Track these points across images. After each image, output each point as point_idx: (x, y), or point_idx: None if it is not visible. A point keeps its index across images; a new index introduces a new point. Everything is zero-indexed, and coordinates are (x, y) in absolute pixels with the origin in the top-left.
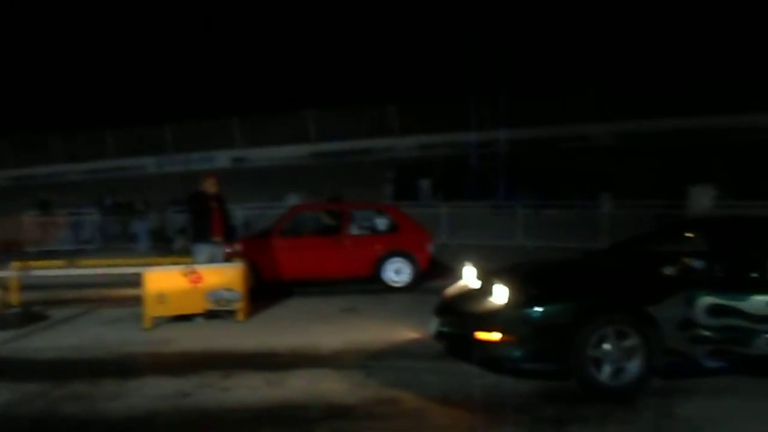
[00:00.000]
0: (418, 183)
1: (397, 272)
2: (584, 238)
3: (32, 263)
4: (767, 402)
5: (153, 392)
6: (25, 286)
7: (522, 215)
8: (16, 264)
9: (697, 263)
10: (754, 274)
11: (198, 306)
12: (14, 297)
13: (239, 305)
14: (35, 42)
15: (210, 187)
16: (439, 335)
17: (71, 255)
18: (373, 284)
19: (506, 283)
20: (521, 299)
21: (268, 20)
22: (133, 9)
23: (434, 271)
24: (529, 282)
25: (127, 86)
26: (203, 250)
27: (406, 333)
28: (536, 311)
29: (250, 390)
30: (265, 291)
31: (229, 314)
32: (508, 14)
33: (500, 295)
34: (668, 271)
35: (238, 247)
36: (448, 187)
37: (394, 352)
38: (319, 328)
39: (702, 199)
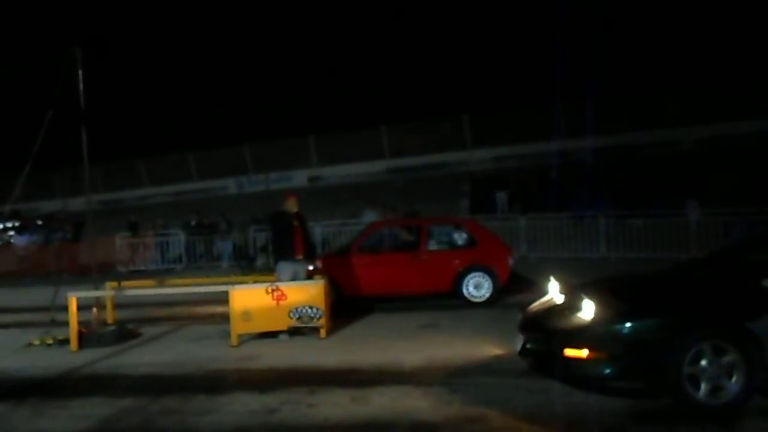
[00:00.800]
0: (495, 195)
1: (477, 287)
2: (671, 249)
3: (125, 283)
4: None
5: (241, 408)
6: (119, 305)
7: (604, 226)
8: (110, 284)
9: None
10: None
11: (282, 323)
12: (110, 315)
13: (322, 322)
14: (118, 71)
15: (292, 206)
16: (525, 352)
17: (160, 274)
18: (452, 299)
19: (594, 298)
20: (611, 314)
21: (341, 40)
22: (210, 33)
23: (515, 286)
24: (618, 296)
25: (208, 110)
26: (287, 268)
27: (489, 349)
28: (627, 327)
29: (336, 407)
30: (345, 307)
31: (312, 331)
32: (582, 20)
33: (588, 310)
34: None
35: (318, 264)
36: (525, 198)
37: (477, 368)
38: (400, 345)
39: None
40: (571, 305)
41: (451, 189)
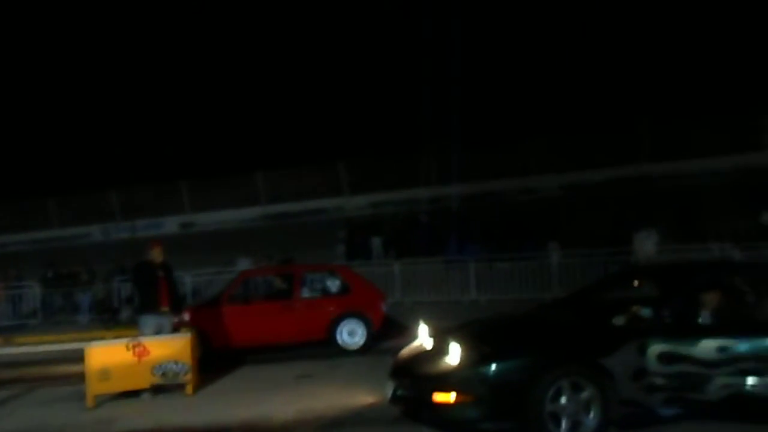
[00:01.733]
0: (370, 241)
1: (351, 334)
2: (536, 289)
3: None
4: None
5: None
6: None
7: (474, 269)
8: None
9: (645, 311)
10: (702, 320)
11: (144, 381)
12: None
13: (188, 378)
14: None
15: (156, 255)
16: (395, 398)
17: (12, 331)
18: (327, 348)
19: (459, 342)
20: (475, 357)
21: (214, 83)
22: (76, 71)
23: (389, 331)
24: (482, 339)
25: (71, 152)
26: (150, 321)
27: (362, 398)
28: (490, 369)
29: None
30: (215, 360)
31: (178, 387)
32: (453, 69)
33: (454, 354)
34: (618, 320)
35: (186, 316)
36: (399, 244)
37: (349, 418)
38: (271, 398)
39: (646, 245)
40: (439, 350)
41: (327, 235)
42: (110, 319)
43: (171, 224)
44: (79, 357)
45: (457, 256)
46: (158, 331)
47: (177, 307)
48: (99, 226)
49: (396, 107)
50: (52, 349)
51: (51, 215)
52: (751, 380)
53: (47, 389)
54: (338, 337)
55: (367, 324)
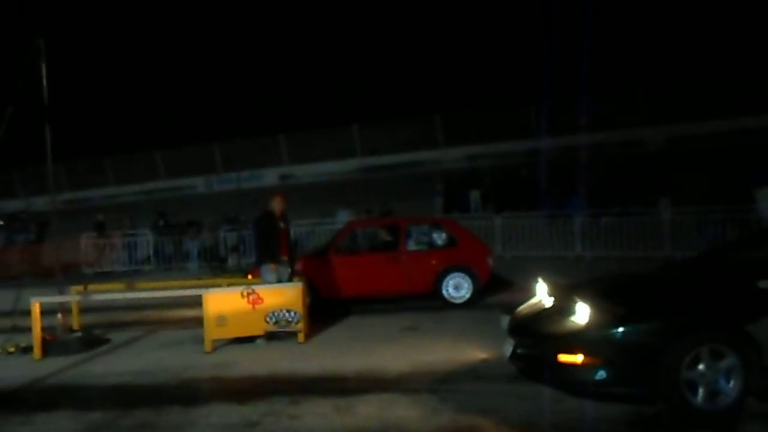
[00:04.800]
0: (468, 194)
1: (457, 288)
2: (646, 247)
3: (92, 286)
4: None
5: (219, 421)
6: (85, 309)
7: (579, 224)
8: (76, 288)
9: None
10: None
11: (258, 328)
12: (76, 321)
13: (300, 326)
14: (85, 67)
15: (278, 206)
16: (515, 356)
17: (128, 276)
18: (432, 301)
19: (588, 301)
20: (606, 319)
21: (311, 36)
22: (181, 29)
23: (493, 286)
24: (612, 299)
25: (175, 107)
26: (272, 270)
27: (474, 353)
28: (623, 331)
29: (320, 418)
30: (322, 309)
31: (290, 335)
32: (555, 17)
33: (582, 314)
34: (764, 284)
35: (298, 266)
36: (498, 197)
37: (464, 374)
38: (382, 349)
39: None
40: (564, 308)
41: (424, 188)
42: (218, 266)
43: (270, 176)
44: (194, 302)
45: (560, 211)
46: (279, 280)
47: (293, 258)
48: (203, 177)
49: (493, 58)
50: (168, 294)
51: (159, 168)
52: None
53: (166, 332)
54: (444, 291)
55: (474, 278)
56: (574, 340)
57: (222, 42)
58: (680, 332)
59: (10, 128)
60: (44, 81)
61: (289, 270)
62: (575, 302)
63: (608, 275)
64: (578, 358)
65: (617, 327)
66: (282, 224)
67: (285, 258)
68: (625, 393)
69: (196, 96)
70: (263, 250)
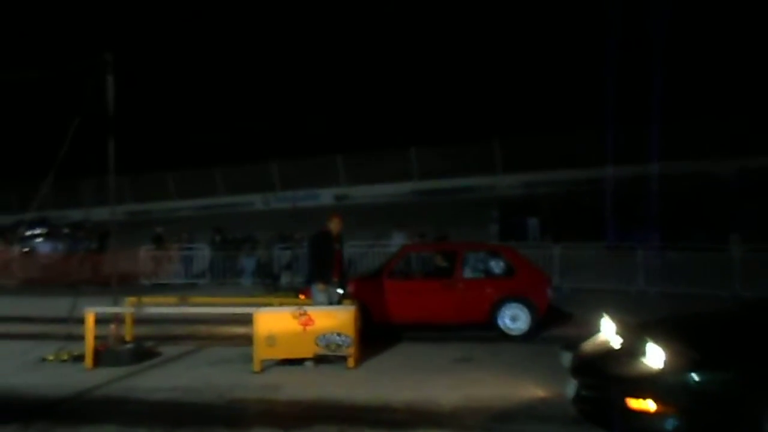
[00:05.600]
0: (526, 222)
1: (514, 319)
2: (714, 285)
3: (145, 299)
4: None
5: None
6: (139, 320)
7: (642, 257)
8: (130, 300)
9: None
10: None
11: (308, 350)
12: (128, 332)
13: (350, 351)
14: (153, 83)
15: (335, 226)
16: (578, 398)
17: (184, 289)
18: (487, 331)
19: (662, 343)
20: (681, 363)
21: (374, 59)
22: (244, 50)
23: (551, 318)
24: (689, 342)
25: (237, 125)
26: (323, 292)
27: (531, 390)
28: (701, 378)
29: None
30: (374, 334)
31: (339, 359)
32: (615, 45)
33: (655, 357)
34: None
35: (350, 288)
36: (557, 225)
37: (521, 413)
38: (435, 380)
39: None
40: (633, 349)
41: (478, 214)
42: (271, 283)
43: (326, 196)
44: (245, 320)
45: (623, 242)
46: (329, 302)
47: (344, 280)
48: (261, 195)
49: (555, 82)
50: (219, 311)
51: (217, 184)
52: None
53: (216, 349)
54: (500, 322)
55: (532, 309)
56: (646, 385)
57: (284, 62)
58: (762, 381)
59: (78, 139)
60: (111, 93)
61: (340, 292)
62: (646, 343)
63: (680, 314)
64: (649, 405)
65: (693, 373)
66: (337, 245)
67: (336, 280)
68: None
69: (256, 114)
70: (315, 269)
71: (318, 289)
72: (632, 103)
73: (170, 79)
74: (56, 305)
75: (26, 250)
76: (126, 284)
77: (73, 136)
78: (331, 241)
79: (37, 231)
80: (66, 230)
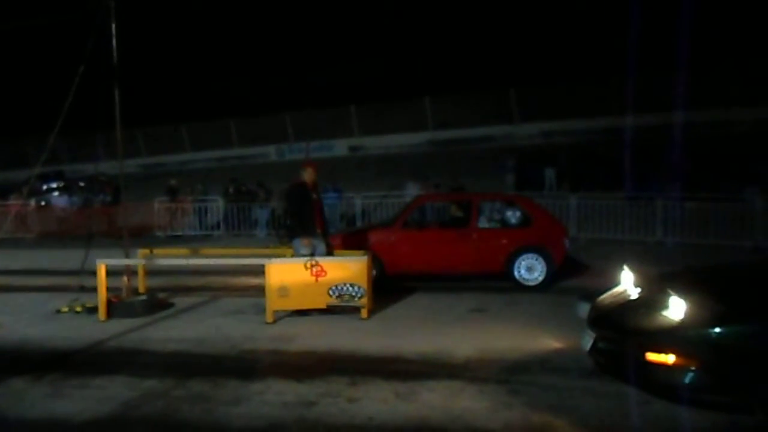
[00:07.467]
0: (543, 172)
1: (530, 269)
2: (734, 236)
3: (158, 251)
4: None
5: (276, 398)
6: (152, 272)
7: (661, 208)
8: (142, 251)
9: None
10: None
11: (320, 301)
12: (141, 284)
13: (363, 301)
14: (164, 39)
15: (309, 177)
16: (595, 350)
17: (198, 240)
18: (502, 282)
19: (684, 295)
20: (704, 316)
21: (388, 8)
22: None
23: (568, 269)
24: (712, 294)
25: (250, 77)
26: (305, 244)
27: (547, 341)
28: (725, 332)
29: (380, 403)
30: (386, 285)
31: (353, 310)
32: None
33: (677, 309)
34: None
35: (338, 240)
36: (574, 176)
37: (536, 364)
38: (448, 331)
39: None
40: (654, 301)
41: (495, 164)
42: (284, 235)
43: (341, 147)
44: (258, 271)
45: (640, 192)
46: (312, 254)
47: (326, 231)
48: (275, 146)
49: (572, 30)
50: (232, 262)
51: (232, 136)
52: None
53: (229, 300)
54: (516, 272)
55: (548, 260)
56: (666, 338)
57: (298, 12)
58: None
59: (91, 93)
60: (114, 41)
61: (325, 244)
62: (669, 295)
63: (701, 266)
64: (669, 358)
65: (718, 327)
66: (314, 195)
67: (319, 231)
68: (722, 403)
69: (270, 67)
70: (297, 224)
71: (303, 244)
72: (650, 52)
73: (185, 32)
74: (72, 258)
75: (42, 203)
76: (140, 236)
77: (84, 88)
78: (308, 192)
79: (53, 185)
80: (82, 183)
